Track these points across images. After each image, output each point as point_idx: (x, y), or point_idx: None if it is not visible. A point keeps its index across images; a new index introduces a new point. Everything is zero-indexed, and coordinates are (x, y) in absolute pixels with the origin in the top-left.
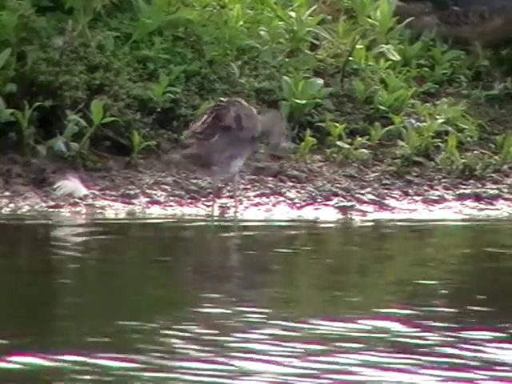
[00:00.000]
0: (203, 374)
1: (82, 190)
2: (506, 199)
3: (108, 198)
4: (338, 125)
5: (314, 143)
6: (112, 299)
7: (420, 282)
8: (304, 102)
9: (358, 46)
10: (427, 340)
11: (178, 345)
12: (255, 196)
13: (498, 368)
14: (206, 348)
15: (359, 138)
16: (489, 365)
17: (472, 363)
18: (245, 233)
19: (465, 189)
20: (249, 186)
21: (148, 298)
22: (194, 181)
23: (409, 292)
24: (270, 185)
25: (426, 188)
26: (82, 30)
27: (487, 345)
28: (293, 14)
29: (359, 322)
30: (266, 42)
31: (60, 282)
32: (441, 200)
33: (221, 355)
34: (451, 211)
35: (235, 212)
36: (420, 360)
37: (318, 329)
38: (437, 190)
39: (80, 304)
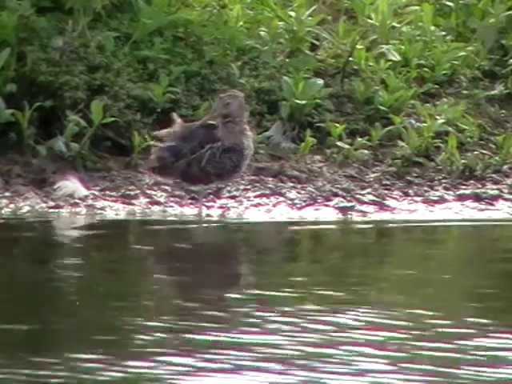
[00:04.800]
0: None
1: (82, 191)
2: (506, 199)
3: (108, 198)
4: (338, 125)
5: (314, 143)
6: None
7: None
8: (304, 102)
9: (358, 47)
10: None
11: None
12: (255, 196)
13: None
14: None
15: (359, 139)
16: None
17: None
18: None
19: (465, 189)
20: (249, 187)
21: None
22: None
23: None
24: (270, 185)
25: (426, 188)
26: (82, 31)
27: None
28: (293, 14)
29: None
30: (266, 42)
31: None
32: (441, 200)
33: None
34: (451, 211)
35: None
36: None
37: None
38: (437, 190)
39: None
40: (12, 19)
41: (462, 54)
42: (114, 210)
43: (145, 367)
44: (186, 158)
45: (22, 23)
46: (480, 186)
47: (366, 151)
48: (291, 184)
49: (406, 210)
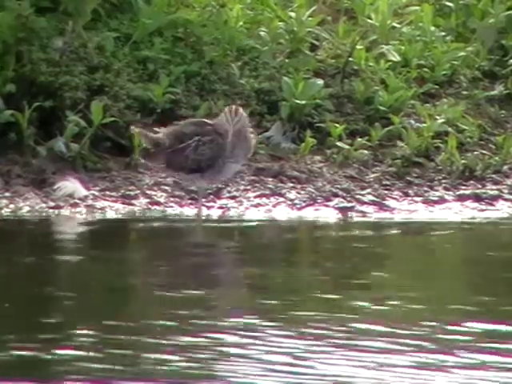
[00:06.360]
0: None
1: (82, 191)
2: (506, 200)
3: (108, 198)
4: (338, 125)
5: (314, 144)
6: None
7: None
8: (304, 102)
9: (358, 47)
10: None
11: None
12: (255, 197)
13: None
14: None
15: (359, 139)
16: None
17: None
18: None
19: (465, 189)
20: (249, 187)
21: None
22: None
23: None
24: (270, 185)
25: (426, 189)
26: (79, 31)
27: None
28: (293, 14)
29: None
30: (266, 42)
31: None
32: (441, 201)
33: None
34: (451, 212)
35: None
36: None
37: None
38: (437, 190)
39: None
40: (10, 19)
41: (462, 54)
42: (114, 210)
43: None
44: (174, 146)
45: (20, 23)
46: (480, 186)
47: (365, 151)
48: (291, 184)
49: (406, 210)
